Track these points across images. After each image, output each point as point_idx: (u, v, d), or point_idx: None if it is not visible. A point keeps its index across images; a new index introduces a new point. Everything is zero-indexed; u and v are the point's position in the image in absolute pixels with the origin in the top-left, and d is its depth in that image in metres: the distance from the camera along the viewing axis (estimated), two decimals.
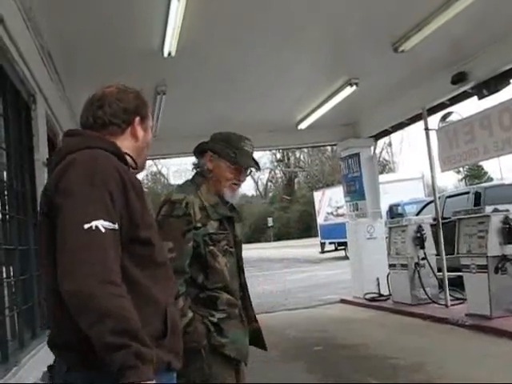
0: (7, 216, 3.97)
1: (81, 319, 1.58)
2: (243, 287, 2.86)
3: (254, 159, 2.91)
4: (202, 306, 2.66)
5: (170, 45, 5.83)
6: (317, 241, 28.17)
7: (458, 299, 8.81)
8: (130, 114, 2.02)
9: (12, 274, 3.96)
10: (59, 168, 1.79)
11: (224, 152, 2.82)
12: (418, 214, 12.47)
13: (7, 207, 4.01)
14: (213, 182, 2.82)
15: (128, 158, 1.95)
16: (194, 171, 2.95)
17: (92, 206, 1.67)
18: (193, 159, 2.99)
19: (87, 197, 1.68)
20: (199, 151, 2.92)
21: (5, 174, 4.18)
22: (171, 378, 1.88)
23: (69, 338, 1.70)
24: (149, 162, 49.67)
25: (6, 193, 4.07)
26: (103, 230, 1.64)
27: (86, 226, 1.62)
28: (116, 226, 1.69)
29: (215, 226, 2.71)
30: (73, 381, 1.72)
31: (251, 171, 2.97)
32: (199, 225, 2.66)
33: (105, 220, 1.66)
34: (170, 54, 6.00)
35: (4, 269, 3.79)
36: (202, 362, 2.61)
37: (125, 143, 1.99)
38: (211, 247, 2.67)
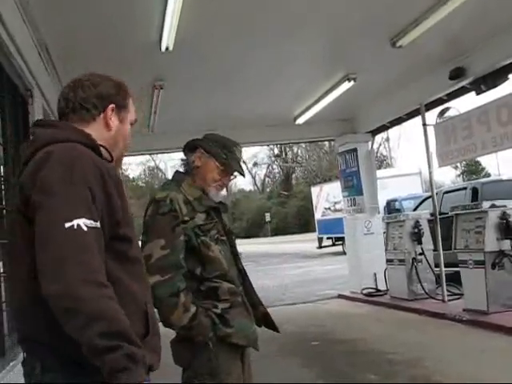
0: (4, 211, 3.96)
1: (67, 323, 1.50)
2: (243, 274, 2.89)
3: (241, 166, 2.97)
4: (203, 299, 2.68)
5: (168, 39, 5.81)
6: (314, 236, 28.20)
7: (455, 294, 8.82)
8: (103, 100, 1.89)
9: None
10: (34, 162, 1.68)
11: (216, 152, 2.86)
12: (415, 210, 12.48)
13: (4, 202, 4.00)
14: (198, 178, 2.86)
15: (103, 150, 1.83)
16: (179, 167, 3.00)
17: (73, 203, 1.58)
18: None
19: (67, 194, 1.59)
20: (189, 147, 2.96)
21: (1, 168, 4.17)
22: (148, 379, 1.76)
23: (43, 337, 1.62)
24: (146, 157, 49.86)
25: (3, 187, 4.06)
26: (85, 229, 1.56)
27: (68, 224, 1.54)
28: (98, 224, 1.61)
29: (203, 217, 2.74)
30: (50, 382, 1.63)
31: (235, 176, 3.00)
32: (187, 218, 2.69)
33: (87, 218, 1.57)
34: (167, 48, 5.98)
35: (1, 263, 3.78)
36: (209, 354, 2.63)
37: (96, 132, 1.85)
38: (202, 237, 2.70)
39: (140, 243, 2.67)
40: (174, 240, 2.63)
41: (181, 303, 2.58)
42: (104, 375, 1.49)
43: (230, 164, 2.87)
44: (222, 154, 2.85)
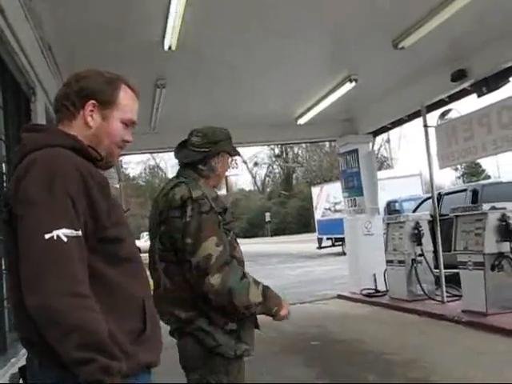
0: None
1: (46, 334, 1.54)
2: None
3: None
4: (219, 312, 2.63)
5: (171, 38, 5.82)
6: (314, 236, 28.18)
7: (454, 296, 8.84)
8: (83, 96, 1.83)
9: None
10: (17, 172, 1.70)
11: (230, 148, 2.93)
12: (414, 211, 12.48)
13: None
14: (216, 178, 2.90)
15: (92, 150, 1.81)
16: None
17: (52, 214, 1.58)
18: None
19: (47, 205, 1.59)
20: (211, 155, 2.87)
21: (4, 166, 4.18)
22: (149, 377, 1.84)
23: (37, 338, 1.62)
24: (146, 156, 49.90)
25: (5, 185, 4.07)
26: (65, 239, 1.56)
27: (47, 236, 1.55)
28: (79, 233, 1.61)
29: (220, 218, 2.73)
30: (45, 377, 1.68)
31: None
32: (219, 217, 2.70)
33: (67, 228, 1.58)
34: (170, 47, 5.99)
35: (3, 261, 3.80)
36: (226, 369, 2.63)
37: (78, 130, 1.82)
38: (229, 238, 2.71)
39: (181, 245, 2.59)
40: (222, 235, 2.63)
41: (251, 281, 2.62)
42: None
43: (237, 152, 2.98)
44: (232, 146, 2.93)
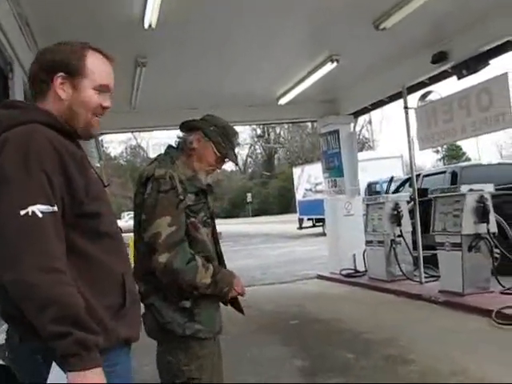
0: None
1: (24, 308, 1.56)
2: (219, 257, 2.92)
3: (236, 156, 3.08)
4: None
5: (151, 16, 5.76)
6: (295, 217, 28.33)
7: (432, 276, 8.96)
8: (51, 70, 1.81)
9: None
10: None
11: (216, 139, 2.88)
12: (386, 192, 12.39)
13: None
14: (193, 159, 2.87)
15: (65, 125, 1.80)
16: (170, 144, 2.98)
17: (27, 190, 1.60)
18: (174, 132, 3.02)
19: (22, 181, 1.60)
20: (188, 127, 2.95)
21: None
22: (127, 351, 1.86)
23: (15, 313, 1.64)
24: (128, 135, 49.51)
25: None
26: (40, 215, 1.58)
27: (22, 212, 1.57)
28: (55, 208, 1.62)
29: (192, 198, 2.74)
30: (26, 351, 1.71)
31: (226, 162, 3.06)
32: (181, 197, 2.68)
33: (42, 204, 1.59)
34: (150, 25, 5.93)
35: None
36: (186, 347, 2.66)
37: (52, 106, 1.81)
38: (192, 219, 2.71)
39: (138, 220, 2.71)
40: (179, 216, 2.64)
41: (200, 264, 2.63)
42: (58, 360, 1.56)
43: (227, 153, 2.92)
44: (222, 142, 2.88)
